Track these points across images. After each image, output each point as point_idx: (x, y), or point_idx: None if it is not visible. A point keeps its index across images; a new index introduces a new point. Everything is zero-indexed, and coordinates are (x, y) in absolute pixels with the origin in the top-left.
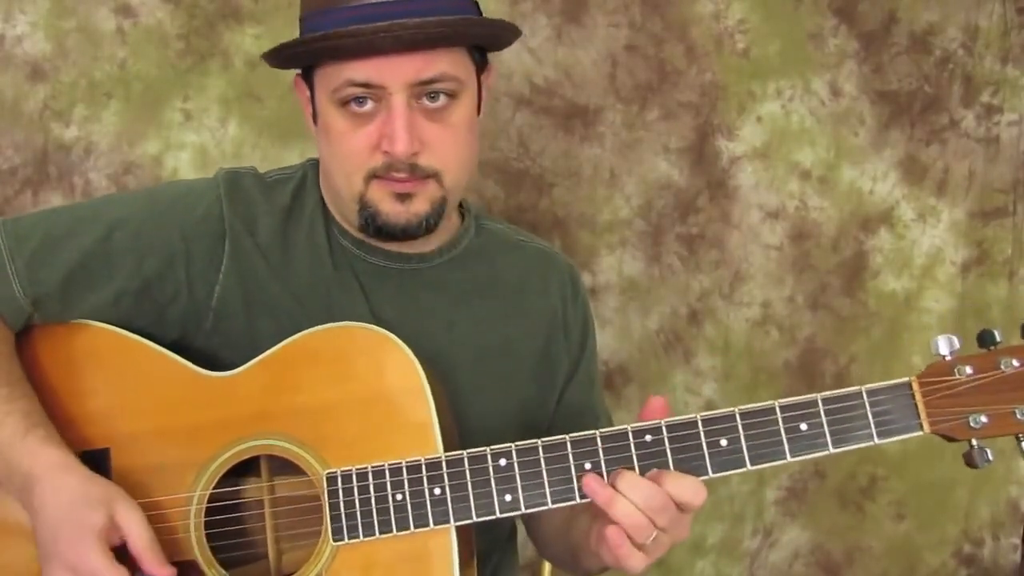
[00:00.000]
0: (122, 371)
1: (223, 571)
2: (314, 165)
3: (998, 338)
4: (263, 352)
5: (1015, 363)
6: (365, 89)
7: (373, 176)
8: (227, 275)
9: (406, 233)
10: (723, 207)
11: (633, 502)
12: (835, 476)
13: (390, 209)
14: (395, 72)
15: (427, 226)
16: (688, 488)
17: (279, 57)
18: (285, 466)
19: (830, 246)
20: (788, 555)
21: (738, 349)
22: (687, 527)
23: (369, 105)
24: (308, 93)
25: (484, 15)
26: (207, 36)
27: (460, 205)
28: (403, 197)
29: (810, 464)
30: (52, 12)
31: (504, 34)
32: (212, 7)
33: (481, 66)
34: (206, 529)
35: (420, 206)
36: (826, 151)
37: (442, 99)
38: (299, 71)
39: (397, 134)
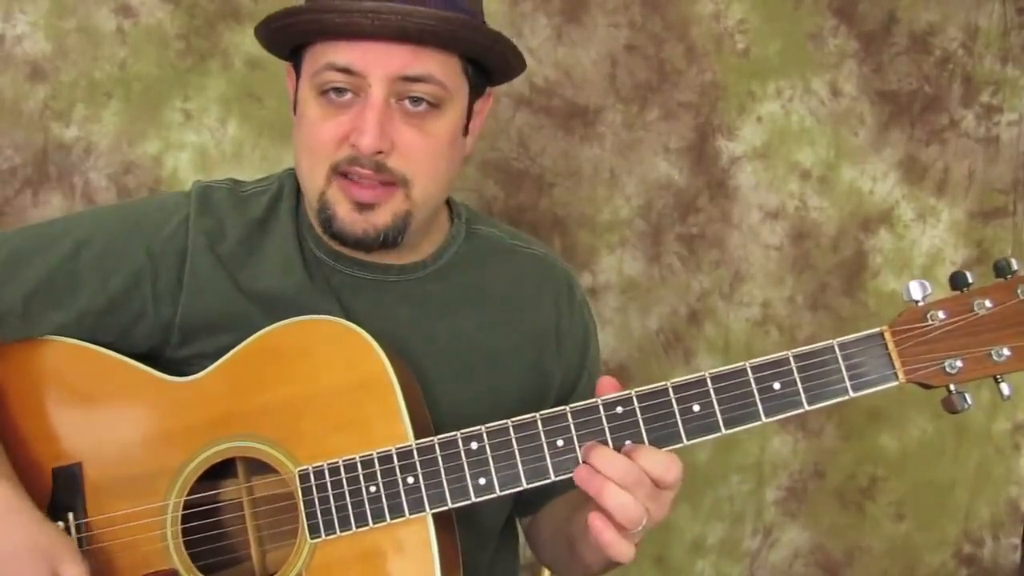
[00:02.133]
0: (88, 384)
1: None
2: (291, 175)
3: (970, 279)
4: None
5: (988, 304)
6: (345, 76)
7: (335, 172)
8: (188, 291)
9: (361, 244)
10: (723, 207)
11: (609, 477)
12: (835, 476)
13: (346, 216)
14: (378, 61)
15: (385, 240)
16: (659, 463)
17: (270, 31)
18: (262, 466)
19: (830, 246)
20: (788, 555)
21: (738, 349)
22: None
23: (348, 96)
24: (295, 83)
25: (492, 27)
26: (207, 36)
27: (451, 209)
28: (363, 207)
29: (810, 464)
30: (52, 12)
31: (502, 51)
32: (212, 7)
33: (479, 89)
34: (184, 536)
35: (381, 218)
36: (826, 151)
37: (423, 105)
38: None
39: (366, 126)
